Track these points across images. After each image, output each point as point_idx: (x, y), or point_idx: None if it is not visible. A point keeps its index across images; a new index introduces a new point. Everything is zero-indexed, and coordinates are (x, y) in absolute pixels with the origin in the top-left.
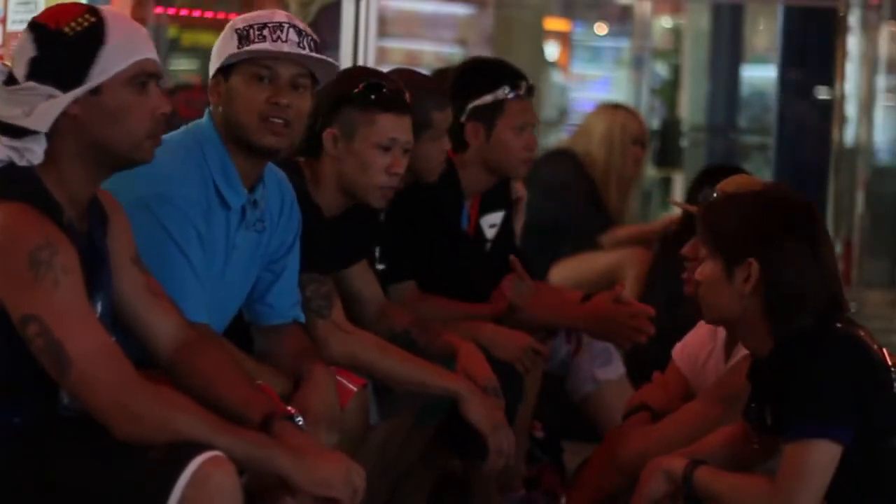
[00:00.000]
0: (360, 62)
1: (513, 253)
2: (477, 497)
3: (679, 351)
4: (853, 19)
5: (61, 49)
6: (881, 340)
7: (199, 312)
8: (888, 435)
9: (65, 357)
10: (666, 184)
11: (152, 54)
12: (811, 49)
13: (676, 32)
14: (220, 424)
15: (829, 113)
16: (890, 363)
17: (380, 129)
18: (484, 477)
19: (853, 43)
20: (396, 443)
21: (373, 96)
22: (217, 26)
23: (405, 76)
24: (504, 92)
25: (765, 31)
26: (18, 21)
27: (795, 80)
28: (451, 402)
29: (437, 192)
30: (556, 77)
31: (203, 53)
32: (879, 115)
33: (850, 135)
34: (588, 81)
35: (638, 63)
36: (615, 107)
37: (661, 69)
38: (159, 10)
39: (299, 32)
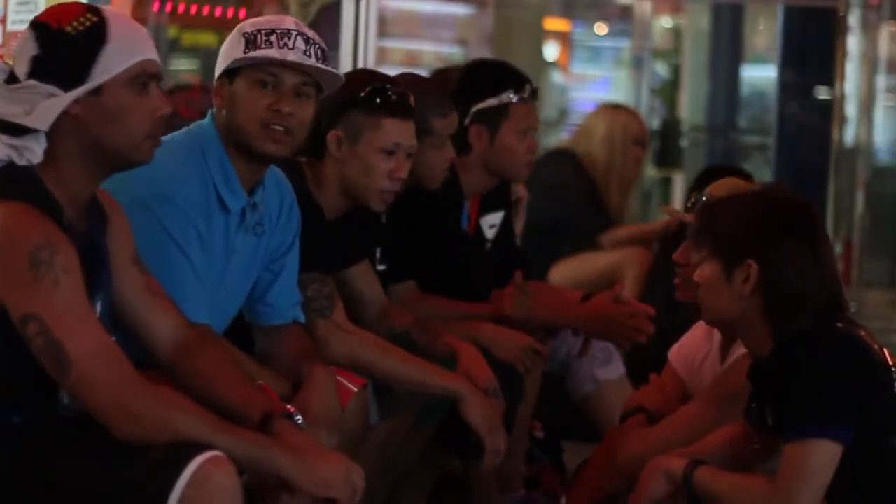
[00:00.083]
0: (360, 62)
1: (513, 253)
2: (477, 497)
3: (675, 353)
4: (853, 19)
5: (63, 48)
6: (881, 340)
7: (199, 313)
8: (888, 435)
9: (65, 357)
10: (666, 184)
11: (153, 55)
12: (811, 49)
13: (676, 32)
14: (220, 424)
15: (828, 113)
16: (890, 363)
17: (384, 133)
18: (484, 477)
19: (853, 43)
20: (396, 443)
21: (378, 100)
22: (217, 24)
23: (408, 80)
24: (508, 96)
25: (765, 31)
26: (18, 21)
27: (795, 80)
28: (450, 403)
29: (438, 193)
30: (556, 77)
31: (203, 53)
32: (879, 115)
33: (849, 135)
34: (588, 81)
35: (638, 63)
36: (616, 107)
37: (661, 69)
38: (158, 6)
39: (307, 41)
